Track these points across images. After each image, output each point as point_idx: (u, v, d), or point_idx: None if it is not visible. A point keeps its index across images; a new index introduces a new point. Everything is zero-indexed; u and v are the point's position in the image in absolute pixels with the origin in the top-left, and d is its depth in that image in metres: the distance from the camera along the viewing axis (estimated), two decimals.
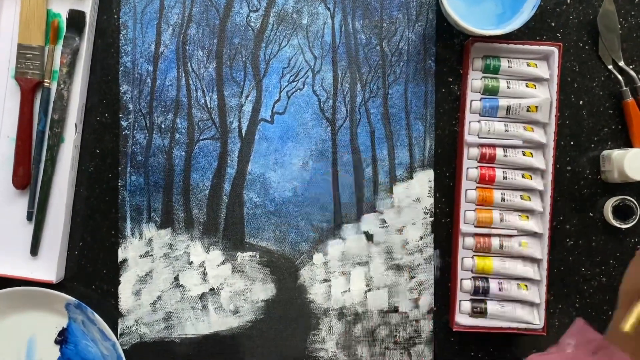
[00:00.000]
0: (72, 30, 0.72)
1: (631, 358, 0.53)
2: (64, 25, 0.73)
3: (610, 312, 0.73)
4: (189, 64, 0.74)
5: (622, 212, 0.72)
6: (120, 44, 0.74)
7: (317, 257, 0.74)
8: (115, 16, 0.74)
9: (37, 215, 0.73)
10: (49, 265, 0.72)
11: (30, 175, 0.73)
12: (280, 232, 0.74)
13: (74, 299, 0.71)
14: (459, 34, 0.74)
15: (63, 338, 0.73)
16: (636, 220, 0.71)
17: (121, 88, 0.74)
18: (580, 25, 0.74)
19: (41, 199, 0.72)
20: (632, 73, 0.73)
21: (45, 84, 0.72)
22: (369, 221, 0.74)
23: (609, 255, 0.73)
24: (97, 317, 0.71)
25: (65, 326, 0.73)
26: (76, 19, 0.72)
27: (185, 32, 0.74)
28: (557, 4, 0.74)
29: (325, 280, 0.74)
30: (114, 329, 0.73)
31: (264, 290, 0.74)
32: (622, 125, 0.73)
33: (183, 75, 0.74)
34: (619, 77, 0.73)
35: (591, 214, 0.74)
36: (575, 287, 0.74)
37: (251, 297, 0.74)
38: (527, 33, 0.74)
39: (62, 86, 0.72)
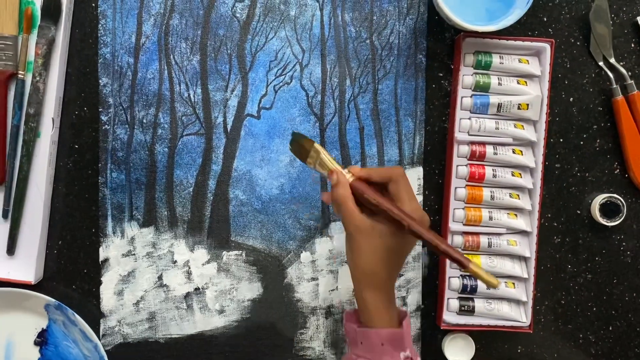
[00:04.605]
0: (47, 19, 0.68)
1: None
2: (38, 13, 0.69)
3: (594, 309, 0.74)
4: (171, 56, 0.71)
5: (609, 209, 0.72)
6: (99, 35, 0.70)
7: (305, 256, 0.73)
8: (94, 4, 0.71)
9: (14, 213, 0.70)
10: (26, 265, 0.70)
11: (5, 171, 0.69)
12: (267, 230, 0.72)
13: (53, 299, 0.69)
14: (450, 28, 0.72)
15: (43, 339, 0.71)
16: (622, 218, 0.72)
17: (100, 81, 0.71)
18: (572, 21, 0.73)
19: (17, 196, 0.69)
20: (623, 70, 0.72)
21: (20, 75, 0.69)
22: None
23: (595, 253, 0.74)
24: (78, 318, 0.69)
25: (45, 327, 0.71)
26: (51, 7, 0.68)
27: (167, 23, 0.71)
28: None
29: (313, 279, 0.73)
30: (96, 329, 0.71)
31: (250, 290, 0.72)
32: (611, 123, 0.73)
33: (165, 67, 0.71)
34: (610, 74, 0.72)
35: (578, 212, 0.74)
36: (562, 284, 0.74)
37: (237, 296, 0.72)
38: (518, 28, 0.72)
39: (38, 78, 0.68)
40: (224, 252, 0.72)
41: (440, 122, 0.73)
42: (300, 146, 0.62)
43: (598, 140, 0.73)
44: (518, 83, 0.70)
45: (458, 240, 0.71)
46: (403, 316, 0.60)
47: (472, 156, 0.71)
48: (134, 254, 0.72)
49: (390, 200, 0.59)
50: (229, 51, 0.71)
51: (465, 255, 0.56)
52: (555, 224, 0.74)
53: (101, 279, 0.72)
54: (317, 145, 0.61)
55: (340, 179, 0.59)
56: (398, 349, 0.57)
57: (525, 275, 0.71)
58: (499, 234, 0.71)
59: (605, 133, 0.73)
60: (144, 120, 0.71)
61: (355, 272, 0.59)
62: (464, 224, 0.71)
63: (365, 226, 0.57)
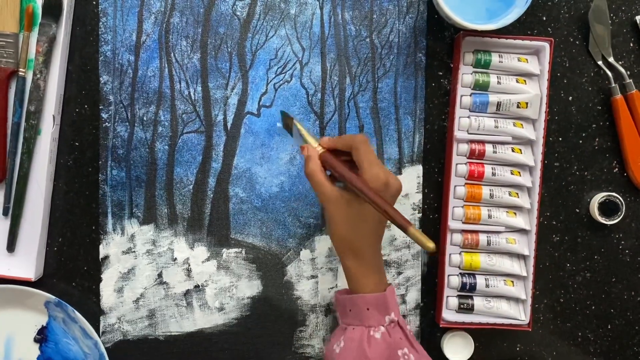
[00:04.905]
0: (49, 17, 0.69)
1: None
2: (39, 11, 0.69)
3: (593, 307, 0.74)
4: (172, 54, 0.71)
5: (607, 208, 0.72)
6: (100, 32, 0.71)
7: (304, 253, 0.73)
8: (94, 2, 0.71)
9: (14, 210, 0.70)
10: (27, 262, 0.70)
11: (6, 169, 0.70)
12: (267, 228, 0.72)
13: (53, 296, 0.69)
14: (449, 27, 0.73)
15: (43, 336, 0.71)
16: (621, 216, 0.72)
17: (101, 78, 0.71)
18: (571, 20, 0.73)
19: (18, 194, 0.70)
20: (621, 69, 0.72)
21: (20, 73, 0.69)
22: None
23: (594, 251, 0.74)
24: (78, 315, 0.69)
25: (44, 324, 0.71)
26: (52, 5, 0.68)
27: (168, 21, 0.71)
28: None
29: (313, 277, 0.73)
30: (96, 326, 0.71)
31: (249, 287, 0.72)
32: (610, 122, 0.73)
33: (166, 65, 0.71)
34: (608, 73, 0.72)
35: (577, 210, 0.74)
36: (560, 282, 0.74)
37: (237, 294, 0.72)
38: (517, 27, 0.72)
39: (39, 76, 0.69)
40: (224, 250, 0.72)
41: (439, 120, 0.73)
42: (286, 123, 0.68)
43: (597, 139, 0.74)
44: (517, 82, 0.70)
45: (457, 238, 0.71)
46: (388, 285, 0.63)
47: (472, 154, 0.71)
48: (134, 252, 0.72)
49: (353, 169, 0.61)
50: (229, 49, 0.71)
51: (406, 218, 0.58)
52: (554, 223, 0.74)
53: (101, 276, 0.72)
54: (295, 121, 0.66)
55: (310, 153, 0.62)
56: (383, 313, 0.60)
57: (524, 274, 0.71)
58: (498, 232, 0.71)
59: (604, 132, 0.73)
60: (145, 118, 0.71)
61: (334, 241, 0.63)
62: (463, 222, 0.71)
63: (334, 196, 0.60)
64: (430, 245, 0.55)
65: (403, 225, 0.57)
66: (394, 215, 0.58)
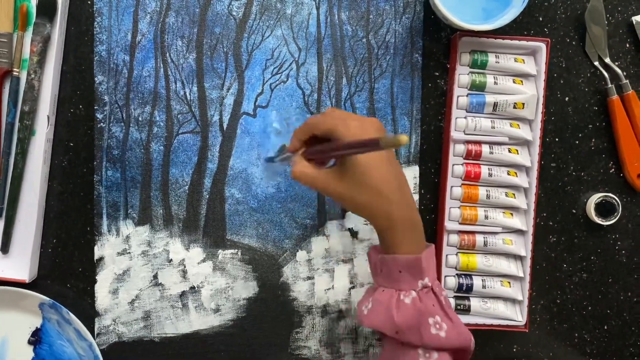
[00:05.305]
0: (43, 17, 0.68)
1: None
2: (33, 10, 0.69)
3: (589, 308, 0.74)
4: (167, 54, 0.71)
5: (604, 209, 0.72)
6: (95, 32, 0.70)
7: (301, 255, 0.72)
8: (89, 2, 0.70)
9: (8, 211, 0.69)
10: (21, 264, 0.69)
11: (0, 169, 0.69)
12: (263, 229, 0.72)
13: (48, 298, 0.69)
14: (445, 27, 0.73)
15: (37, 338, 0.71)
16: (617, 217, 0.72)
17: (96, 78, 0.70)
18: (567, 21, 0.73)
19: (12, 195, 0.69)
20: (618, 70, 0.72)
21: (14, 73, 0.69)
22: (353, 218, 0.72)
23: (591, 252, 0.74)
24: (72, 316, 0.69)
25: (39, 326, 0.71)
26: (47, 5, 0.68)
27: (163, 21, 0.70)
28: None
29: (309, 278, 0.72)
30: (91, 328, 0.71)
31: (245, 288, 0.72)
32: (606, 123, 0.73)
33: (161, 65, 0.71)
34: (605, 73, 0.72)
35: (574, 211, 0.74)
36: (557, 283, 0.74)
37: (233, 295, 0.72)
38: (514, 27, 0.72)
39: (33, 76, 0.68)
40: (220, 251, 0.72)
41: (436, 121, 0.73)
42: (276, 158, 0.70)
43: (593, 140, 0.74)
44: (514, 82, 0.70)
45: (454, 239, 0.71)
46: (428, 247, 0.59)
47: (468, 155, 0.71)
48: (129, 253, 0.71)
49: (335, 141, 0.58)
50: (225, 49, 0.71)
51: (370, 138, 0.52)
52: (550, 223, 0.74)
53: (96, 277, 0.71)
54: (278, 156, 0.67)
55: (294, 159, 0.60)
56: (417, 277, 0.57)
57: (521, 274, 0.71)
58: (495, 233, 0.71)
59: (600, 132, 0.73)
60: (140, 118, 0.71)
61: (358, 213, 0.59)
62: (459, 223, 0.71)
63: (325, 175, 0.58)
64: (404, 138, 0.47)
65: (372, 144, 0.50)
66: (356, 144, 0.53)
